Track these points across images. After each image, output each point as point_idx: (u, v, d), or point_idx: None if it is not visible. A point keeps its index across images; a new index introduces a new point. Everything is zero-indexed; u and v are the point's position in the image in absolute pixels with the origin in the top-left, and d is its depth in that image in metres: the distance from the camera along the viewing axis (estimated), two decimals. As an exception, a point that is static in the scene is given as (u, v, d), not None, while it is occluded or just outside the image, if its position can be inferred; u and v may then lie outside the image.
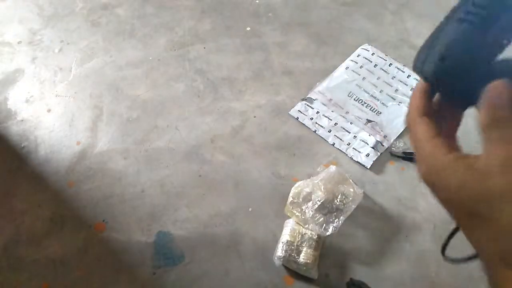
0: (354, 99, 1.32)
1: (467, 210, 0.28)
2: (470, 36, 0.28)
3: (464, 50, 0.29)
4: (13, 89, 1.35)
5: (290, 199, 1.07)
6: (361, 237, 1.09)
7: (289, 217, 1.07)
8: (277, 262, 1.00)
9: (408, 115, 0.33)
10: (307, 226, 1.03)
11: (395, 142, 1.24)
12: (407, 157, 1.20)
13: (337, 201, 1.06)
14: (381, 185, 1.17)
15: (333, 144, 1.24)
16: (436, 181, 0.29)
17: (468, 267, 1.04)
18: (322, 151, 1.23)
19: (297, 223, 1.05)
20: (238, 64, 1.42)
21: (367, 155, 1.21)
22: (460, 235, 0.32)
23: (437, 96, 0.33)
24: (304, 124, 1.28)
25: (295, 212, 1.05)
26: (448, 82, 0.30)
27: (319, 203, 1.04)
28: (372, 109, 1.30)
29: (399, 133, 1.26)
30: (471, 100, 0.29)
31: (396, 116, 1.29)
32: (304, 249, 1.00)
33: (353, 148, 1.23)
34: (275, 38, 1.49)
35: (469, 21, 0.28)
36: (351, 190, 1.08)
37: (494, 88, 0.27)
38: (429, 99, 0.33)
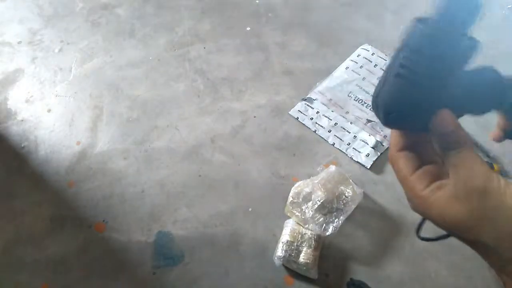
0: (354, 99, 1.32)
1: (458, 236, 0.32)
2: (406, 89, 0.32)
3: (403, 102, 0.32)
4: (13, 89, 1.35)
5: (290, 199, 1.08)
6: (361, 237, 1.09)
7: (289, 217, 1.07)
8: (277, 262, 1.00)
9: (389, 152, 0.37)
10: (307, 226, 1.03)
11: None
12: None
13: (337, 201, 1.06)
14: (381, 185, 1.17)
15: (333, 144, 1.24)
16: (422, 214, 0.33)
17: (468, 267, 1.04)
18: (322, 151, 1.23)
19: (297, 223, 1.05)
20: (238, 64, 1.42)
21: (367, 155, 1.21)
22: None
23: None
24: (304, 124, 1.28)
25: (295, 212, 1.05)
26: (399, 127, 0.35)
27: (319, 203, 1.04)
28: (372, 109, 1.30)
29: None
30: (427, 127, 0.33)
31: (396, 116, 1.29)
32: (304, 249, 1.00)
33: (353, 148, 1.23)
34: (275, 38, 1.49)
35: (402, 75, 0.32)
36: (351, 190, 1.08)
37: (440, 118, 0.32)
38: (406, 133, 0.36)
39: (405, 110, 0.32)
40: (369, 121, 1.28)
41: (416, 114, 0.32)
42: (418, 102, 0.32)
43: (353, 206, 1.07)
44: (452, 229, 0.32)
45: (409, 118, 0.33)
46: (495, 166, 1.17)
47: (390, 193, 1.15)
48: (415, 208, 0.33)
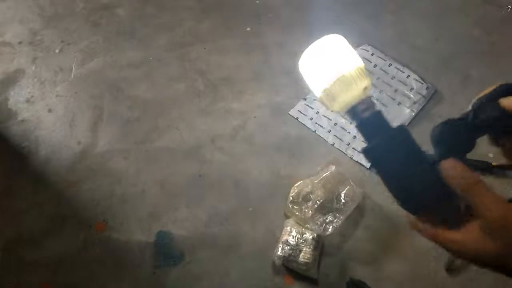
0: (354, 99, 1.32)
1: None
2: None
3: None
4: (13, 89, 1.36)
5: (290, 199, 1.08)
6: (361, 237, 1.09)
7: (289, 217, 1.07)
8: (277, 262, 1.00)
9: None
10: (307, 226, 1.03)
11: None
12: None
13: (337, 201, 1.06)
14: (381, 185, 1.16)
15: (333, 144, 1.24)
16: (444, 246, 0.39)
17: (468, 268, 1.04)
18: (322, 151, 1.23)
19: (297, 223, 1.05)
20: (238, 64, 1.42)
21: (367, 155, 1.21)
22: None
23: None
24: (304, 124, 1.28)
25: (295, 212, 1.05)
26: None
27: (319, 203, 1.04)
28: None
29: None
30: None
31: (395, 116, 1.29)
32: (304, 249, 1.00)
33: (353, 148, 1.23)
34: (275, 38, 1.49)
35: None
36: (351, 190, 1.08)
37: (447, 166, 0.37)
38: None
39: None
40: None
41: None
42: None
43: (353, 206, 1.07)
44: (487, 262, 0.35)
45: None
46: None
47: (390, 193, 1.15)
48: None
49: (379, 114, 0.42)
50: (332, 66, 0.44)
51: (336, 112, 0.46)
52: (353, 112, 0.42)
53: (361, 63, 0.44)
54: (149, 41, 1.48)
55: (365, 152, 0.42)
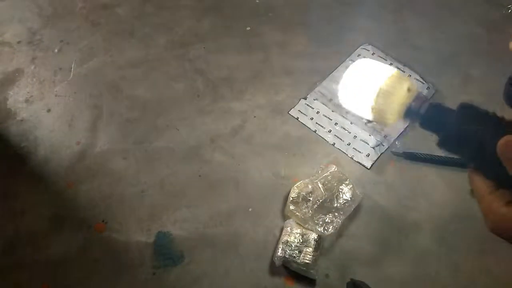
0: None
1: None
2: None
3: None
4: (12, 89, 1.35)
5: (290, 199, 1.07)
6: (361, 237, 1.08)
7: (289, 217, 1.07)
8: (277, 262, 1.00)
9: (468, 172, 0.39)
10: (307, 226, 1.03)
11: (395, 142, 1.24)
12: (408, 156, 1.20)
13: (337, 201, 1.06)
14: (381, 185, 1.17)
15: (333, 144, 1.24)
16: (501, 232, 0.33)
17: (468, 268, 1.04)
18: (322, 151, 1.23)
19: (297, 223, 1.04)
20: (238, 64, 1.42)
21: (368, 155, 1.21)
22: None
23: None
24: (304, 124, 1.28)
25: (295, 212, 1.05)
26: None
27: (319, 203, 1.04)
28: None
29: (400, 133, 1.26)
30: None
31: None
32: (304, 249, 0.99)
33: (353, 148, 1.23)
34: (275, 38, 1.48)
35: None
36: (351, 190, 1.08)
37: (504, 144, 0.32)
38: None
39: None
40: (369, 121, 1.28)
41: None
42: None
43: (353, 206, 1.07)
44: None
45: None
46: None
47: (390, 193, 1.15)
48: (493, 226, 0.34)
49: (435, 105, 0.40)
50: (367, 87, 0.46)
51: (394, 122, 0.46)
52: (410, 115, 0.41)
53: (392, 71, 0.44)
54: (148, 40, 1.48)
55: (440, 147, 0.39)
